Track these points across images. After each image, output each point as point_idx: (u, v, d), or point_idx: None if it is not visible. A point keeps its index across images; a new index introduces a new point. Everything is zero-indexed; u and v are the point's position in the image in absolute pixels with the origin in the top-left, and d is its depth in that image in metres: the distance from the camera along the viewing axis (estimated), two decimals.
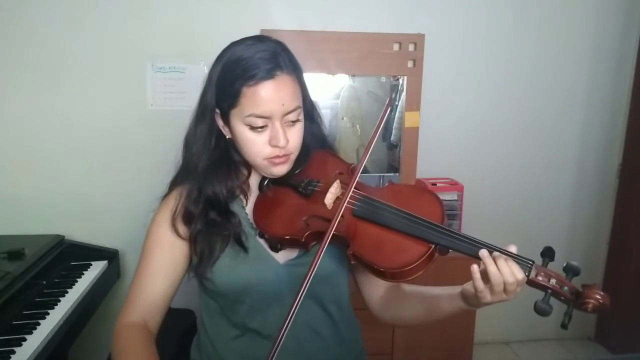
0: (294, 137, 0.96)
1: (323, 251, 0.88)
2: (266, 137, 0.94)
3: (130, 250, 2.16)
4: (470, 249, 0.85)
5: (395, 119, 2.28)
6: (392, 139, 2.32)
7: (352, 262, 0.92)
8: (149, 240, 1.02)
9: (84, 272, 1.84)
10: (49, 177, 2.11)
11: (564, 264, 0.84)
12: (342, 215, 0.92)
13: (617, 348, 2.58)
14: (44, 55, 2.03)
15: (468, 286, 0.89)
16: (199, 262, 0.99)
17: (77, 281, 1.76)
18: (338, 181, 1.01)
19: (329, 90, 2.27)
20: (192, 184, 1.01)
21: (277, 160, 0.96)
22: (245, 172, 1.05)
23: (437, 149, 2.38)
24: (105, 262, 1.96)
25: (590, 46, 2.44)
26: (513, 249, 0.85)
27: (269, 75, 0.90)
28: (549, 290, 0.82)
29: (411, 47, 2.15)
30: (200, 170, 1.00)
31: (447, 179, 2.34)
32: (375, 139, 0.97)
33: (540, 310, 0.81)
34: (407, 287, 1.05)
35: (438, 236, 0.87)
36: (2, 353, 1.30)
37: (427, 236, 0.88)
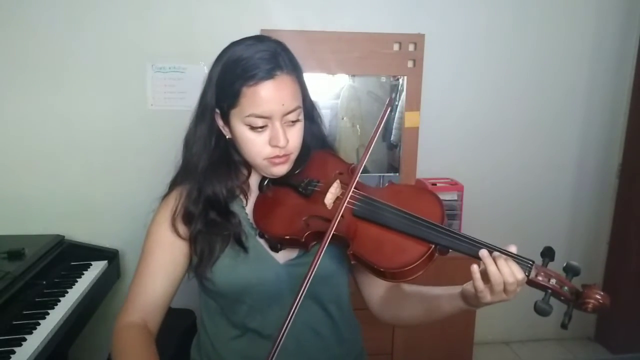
0: (294, 137, 0.96)
1: (323, 251, 0.87)
2: (266, 137, 0.94)
3: (130, 250, 2.16)
4: (470, 249, 0.85)
5: (395, 119, 2.28)
6: (392, 139, 2.32)
7: (352, 262, 0.92)
8: (149, 240, 1.02)
9: (84, 272, 1.84)
10: (49, 176, 2.11)
11: (564, 264, 0.84)
12: (342, 215, 0.92)
13: (617, 348, 2.58)
14: (44, 55, 2.03)
15: (468, 286, 0.89)
16: (199, 262, 0.99)
17: (77, 281, 1.76)
18: (338, 181, 1.01)
19: (329, 90, 2.27)
20: (192, 184, 1.01)
21: (277, 161, 0.96)
22: (245, 172, 1.05)
23: (437, 149, 2.38)
24: (105, 262, 1.96)
25: (590, 46, 2.44)
26: (513, 249, 0.85)
27: (269, 75, 0.90)
28: (549, 290, 0.82)
29: (411, 47, 2.15)
30: (200, 170, 1.00)
31: (447, 179, 2.34)
32: (375, 139, 0.97)
33: (540, 310, 0.81)
34: (407, 287, 1.05)
35: (438, 236, 0.87)
36: (2, 353, 1.30)
37: (427, 236, 0.88)
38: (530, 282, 0.83)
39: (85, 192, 2.15)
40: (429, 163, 2.33)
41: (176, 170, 1.07)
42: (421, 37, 2.14)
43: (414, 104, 2.19)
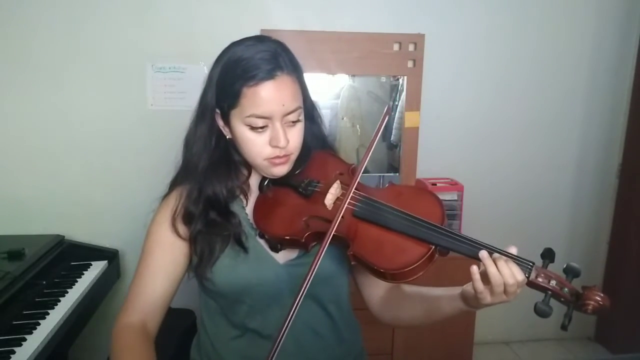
0: (294, 138, 0.96)
1: (323, 252, 0.87)
2: (266, 137, 0.94)
3: (130, 250, 2.16)
4: (471, 250, 0.85)
5: (395, 119, 2.27)
6: (392, 139, 2.32)
7: (352, 263, 0.92)
8: (149, 240, 1.02)
9: (84, 272, 1.84)
10: (49, 177, 2.11)
11: (564, 265, 0.84)
12: (342, 216, 0.92)
13: (617, 348, 2.58)
14: (44, 55, 2.03)
15: (468, 287, 0.88)
16: (199, 262, 0.99)
17: (77, 281, 1.76)
18: (338, 182, 1.01)
19: (329, 90, 2.27)
20: (192, 184, 1.01)
21: (277, 161, 0.96)
22: (245, 172, 1.05)
23: (437, 149, 2.38)
24: (105, 262, 1.96)
25: (590, 46, 2.44)
26: (513, 250, 0.85)
27: (270, 75, 0.90)
28: (549, 292, 0.82)
29: (411, 47, 2.15)
30: (200, 171, 1.00)
31: (447, 179, 2.34)
32: (375, 142, 0.97)
33: (540, 311, 0.81)
34: (407, 288, 1.05)
35: (438, 237, 0.87)
36: (2, 353, 1.30)
37: (428, 237, 0.88)
38: (531, 284, 0.83)
39: (85, 192, 2.14)
40: (429, 163, 2.33)
41: (176, 170, 1.07)
42: (421, 37, 2.14)
43: (414, 104, 2.19)
